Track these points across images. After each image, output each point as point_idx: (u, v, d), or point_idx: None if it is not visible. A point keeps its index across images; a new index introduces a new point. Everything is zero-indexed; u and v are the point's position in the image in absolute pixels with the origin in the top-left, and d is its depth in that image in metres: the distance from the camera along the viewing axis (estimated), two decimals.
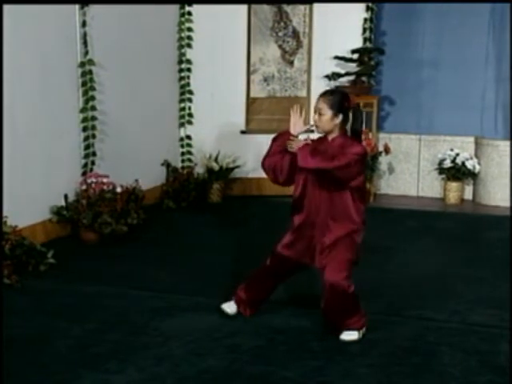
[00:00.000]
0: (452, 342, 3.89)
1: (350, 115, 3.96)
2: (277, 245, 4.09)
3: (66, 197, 6.05)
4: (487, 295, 4.73)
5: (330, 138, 3.95)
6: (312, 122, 3.98)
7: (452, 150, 7.95)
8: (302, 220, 3.99)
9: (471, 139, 8.08)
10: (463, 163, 7.82)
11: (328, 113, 3.88)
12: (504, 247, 5.94)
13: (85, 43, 6.22)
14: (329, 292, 3.85)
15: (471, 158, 7.88)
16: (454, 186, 7.95)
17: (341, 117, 3.90)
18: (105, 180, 6.09)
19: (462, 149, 7.98)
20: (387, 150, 7.81)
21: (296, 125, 3.94)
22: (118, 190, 6.10)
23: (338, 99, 3.90)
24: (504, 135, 7.96)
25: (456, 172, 7.86)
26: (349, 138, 3.96)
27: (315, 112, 3.93)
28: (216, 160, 7.85)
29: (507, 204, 7.70)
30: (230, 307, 4.24)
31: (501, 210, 7.53)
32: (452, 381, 3.44)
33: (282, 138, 3.96)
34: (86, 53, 6.24)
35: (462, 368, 3.57)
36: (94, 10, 6.29)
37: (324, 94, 3.95)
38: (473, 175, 7.93)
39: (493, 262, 5.53)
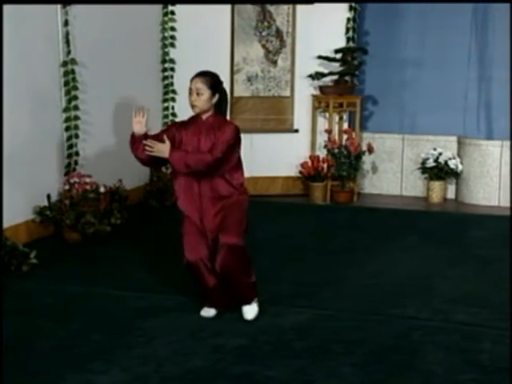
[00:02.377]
0: (435, 341, 3.91)
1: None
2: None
3: (48, 197, 6.02)
4: (470, 294, 4.76)
5: (203, 116, 4.09)
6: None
7: (435, 149, 7.98)
8: (189, 207, 4.31)
9: (454, 139, 8.12)
10: (446, 162, 7.86)
11: (206, 92, 4.02)
12: (487, 246, 5.98)
13: (67, 42, 6.19)
14: (227, 253, 4.00)
15: (454, 158, 7.92)
16: (436, 185, 7.98)
17: (217, 97, 4.06)
18: (88, 180, 6.06)
19: (444, 148, 8.02)
20: (370, 150, 7.83)
21: (137, 125, 4.11)
22: (102, 189, 6.08)
23: (215, 80, 4.07)
24: (486, 135, 8.00)
25: (439, 171, 7.90)
26: (221, 117, 4.12)
27: (191, 92, 4.02)
28: None
29: (489, 203, 7.75)
30: (206, 312, 4.27)
31: (483, 209, 7.58)
32: (435, 379, 3.46)
33: (133, 137, 4.16)
34: (69, 52, 6.21)
35: (445, 366, 3.59)
36: (76, 9, 6.26)
37: (200, 75, 4.07)
38: (455, 174, 7.97)
39: (476, 261, 5.56)
